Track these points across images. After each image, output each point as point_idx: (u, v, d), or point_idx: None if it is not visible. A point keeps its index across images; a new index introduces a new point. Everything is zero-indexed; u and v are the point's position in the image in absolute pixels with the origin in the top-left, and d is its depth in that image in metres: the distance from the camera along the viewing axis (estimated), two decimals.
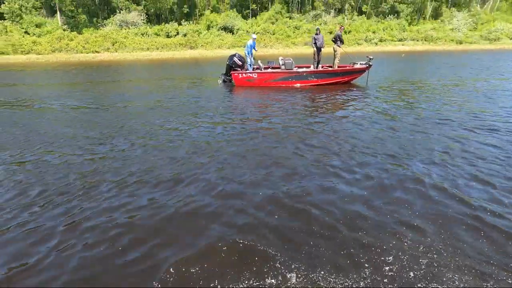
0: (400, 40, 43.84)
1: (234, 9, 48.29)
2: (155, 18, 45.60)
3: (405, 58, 25.93)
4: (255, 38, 11.48)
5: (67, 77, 16.81)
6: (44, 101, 9.28)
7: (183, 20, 44.90)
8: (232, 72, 11.21)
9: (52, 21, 40.23)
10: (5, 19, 37.15)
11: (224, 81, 11.96)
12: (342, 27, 11.66)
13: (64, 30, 38.08)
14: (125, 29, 39.77)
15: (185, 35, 40.61)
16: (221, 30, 43.76)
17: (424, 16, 51.93)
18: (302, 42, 40.67)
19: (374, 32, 45.04)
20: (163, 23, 43.82)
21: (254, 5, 50.01)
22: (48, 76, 17.75)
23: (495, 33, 44.98)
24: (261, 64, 11.55)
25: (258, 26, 45.32)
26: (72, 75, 17.99)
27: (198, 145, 4.99)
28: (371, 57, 10.88)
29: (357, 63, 11.10)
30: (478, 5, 53.03)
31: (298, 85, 11.08)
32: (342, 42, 11.07)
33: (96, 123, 6.59)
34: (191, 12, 46.54)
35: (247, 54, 11.12)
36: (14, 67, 23.65)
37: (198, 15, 47.11)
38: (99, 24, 41.63)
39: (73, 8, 42.76)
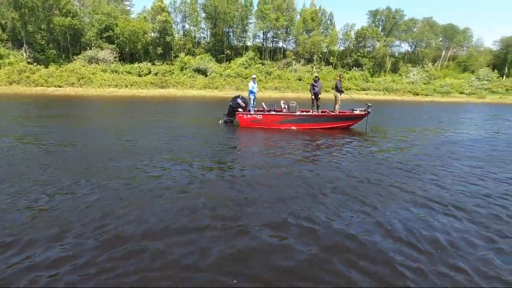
0: (363, 89, 46.99)
1: (209, 53, 50.11)
2: (129, 57, 45.93)
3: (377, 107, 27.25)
4: (254, 78, 11.99)
5: (18, 110, 15.44)
6: None
7: (157, 60, 45.55)
8: (236, 113, 11.51)
9: (17, 54, 39.03)
10: None
11: (225, 121, 12.20)
12: (341, 75, 12.55)
13: (29, 63, 36.82)
14: (94, 65, 39.24)
15: (156, 74, 40.78)
16: (195, 71, 44.65)
17: (384, 69, 56.90)
18: (273, 87, 42.21)
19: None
20: (137, 62, 44.10)
21: (228, 51, 52.32)
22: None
23: (446, 87, 49.83)
24: (265, 106, 11.82)
25: (232, 70, 46.90)
26: (23, 109, 16.62)
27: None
28: (370, 104, 11.45)
29: (356, 110, 11.51)
30: (430, 63, 59.35)
31: (300, 128, 11.28)
32: (340, 89, 11.79)
33: (63, 163, 5.66)
34: (165, 53, 47.55)
35: (250, 96, 11.58)
36: None
37: (173, 57, 48.17)
38: (67, 60, 40.96)
39: (43, 42, 42.15)
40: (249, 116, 11.34)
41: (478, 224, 3.84)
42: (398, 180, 5.45)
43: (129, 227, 3.45)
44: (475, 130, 13.30)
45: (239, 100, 11.65)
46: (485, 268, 2.93)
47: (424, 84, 51.43)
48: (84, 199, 4.17)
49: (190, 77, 42.51)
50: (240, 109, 11.59)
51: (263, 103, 11.90)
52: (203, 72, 44.81)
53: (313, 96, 11.74)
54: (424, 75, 53.37)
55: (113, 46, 43.07)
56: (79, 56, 41.14)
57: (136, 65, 42.65)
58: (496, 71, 56.59)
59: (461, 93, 50.22)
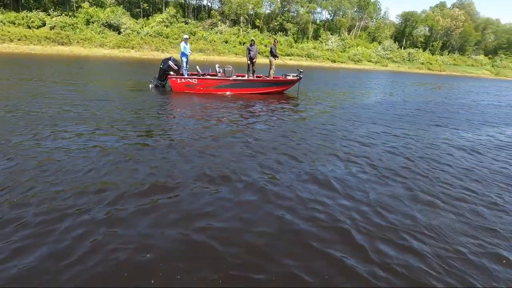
0: (287, 55, 48.32)
1: (122, 6, 43.47)
2: (12, 3, 36.44)
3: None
4: (187, 39, 10.90)
5: None
6: None
7: (53, 10, 37.42)
8: (169, 76, 10.60)
9: None
10: None
11: (156, 86, 11.29)
12: (276, 40, 12.32)
13: None
14: None
15: (53, 27, 33.72)
16: (105, 27, 38.48)
17: (307, 36, 59.15)
18: (197, 49, 39.77)
19: (266, 46, 48.26)
20: (25, 10, 35.42)
21: (145, 5, 46.33)
22: None
23: (358, 56, 55.14)
24: (199, 70, 10.99)
25: (151, 28, 42.03)
26: None
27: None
28: (301, 70, 11.84)
29: (289, 75, 11.78)
30: (346, 32, 64.13)
31: (236, 93, 11.05)
32: (275, 53, 11.66)
33: None
34: (64, 2, 39.30)
35: (182, 59, 10.75)
36: None
37: (75, 7, 40.20)
38: None
39: None
40: (183, 80, 10.53)
41: (386, 170, 4.58)
42: (323, 139, 6.08)
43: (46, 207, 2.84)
44: (379, 94, 15.27)
45: (170, 63, 10.61)
46: (389, 199, 3.62)
47: (341, 52, 55.73)
48: None
49: (99, 34, 36.59)
50: (172, 73, 10.63)
51: (197, 67, 11.17)
52: (115, 28, 39.00)
53: (248, 61, 11.47)
54: (341, 43, 57.61)
55: None
56: None
57: (23, 14, 34.30)
58: (396, 42, 64.82)
59: (370, 61, 56.37)
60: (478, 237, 3.03)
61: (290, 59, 46.94)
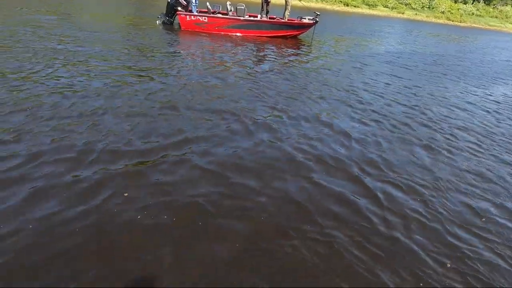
0: None
1: None
2: None
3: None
4: None
5: None
6: None
7: None
8: (178, 12, 10.02)
9: None
10: None
11: (164, 23, 10.72)
12: None
13: None
14: None
15: None
16: None
17: None
18: None
19: None
20: None
21: None
22: None
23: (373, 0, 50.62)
24: (209, 7, 10.27)
25: None
26: None
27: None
28: (318, 13, 10.97)
29: (304, 18, 11.02)
30: None
31: (247, 35, 10.47)
32: None
33: None
34: None
35: None
36: None
37: None
38: None
39: None
40: (192, 17, 9.96)
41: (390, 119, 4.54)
42: (329, 86, 6.18)
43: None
44: (393, 44, 14.63)
45: None
46: (391, 144, 3.55)
47: None
48: None
49: None
50: (180, 8, 9.98)
51: (207, 3, 10.39)
52: None
53: (263, 0, 10.61)
54: None
55: None
56: None
57: None
58: None
59: (386, 6, 51.97)
60: (473, 184, 3.29)
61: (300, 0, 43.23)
